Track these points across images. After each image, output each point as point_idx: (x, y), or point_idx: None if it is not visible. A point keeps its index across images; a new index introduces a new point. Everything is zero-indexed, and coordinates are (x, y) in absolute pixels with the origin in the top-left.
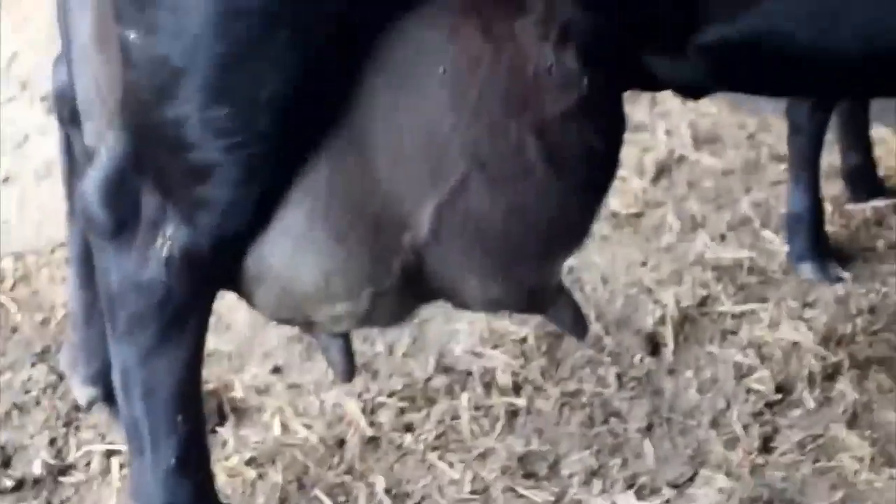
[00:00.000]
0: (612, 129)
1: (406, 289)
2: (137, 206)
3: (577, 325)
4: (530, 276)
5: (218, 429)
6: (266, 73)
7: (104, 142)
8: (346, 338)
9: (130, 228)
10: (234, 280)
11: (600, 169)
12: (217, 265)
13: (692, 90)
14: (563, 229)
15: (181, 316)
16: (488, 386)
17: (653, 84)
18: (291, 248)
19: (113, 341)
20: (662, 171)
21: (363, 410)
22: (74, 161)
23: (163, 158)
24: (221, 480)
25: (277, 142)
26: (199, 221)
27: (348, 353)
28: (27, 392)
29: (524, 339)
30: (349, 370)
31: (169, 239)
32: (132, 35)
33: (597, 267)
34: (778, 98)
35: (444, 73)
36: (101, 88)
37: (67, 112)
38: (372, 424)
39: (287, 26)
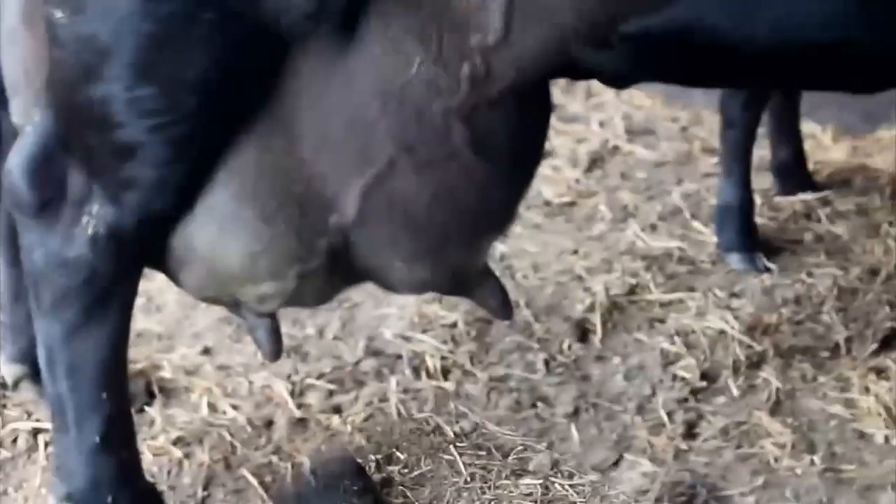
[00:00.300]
0: (539, 115)
1: (332, 269)
2: (63, 185)
3: (503, 307)
4: (456, 259)
5: (146, 408)
6: (192, 54)
7: (30, 120)
8: (273, 318)
9: (56, 206)
10: (161, 259)
11: (526, 154)
12: (143, 244)
13: (617, 79)
14: (489, 213)
15: (106, 294)
16: (417, 370)
17: (579, 73)
18: (218, 227)
19: (38, 318)
20: (595, 161)
21: (291, 392)
22: (2, 140)
23: (89, 137)
24: (148, 459)
25: (203, 122)
26: (124, 200)
27: (275, 334)
28: None
29: (454, 324)
30: (276, 350)
31: (94, 217)
32: (59, 14)
33: (528, 254)
34: (700, 87)
35: (372, 60)
36: (28, 67)
37: None
38: (300, 406)
39: (213, 8)
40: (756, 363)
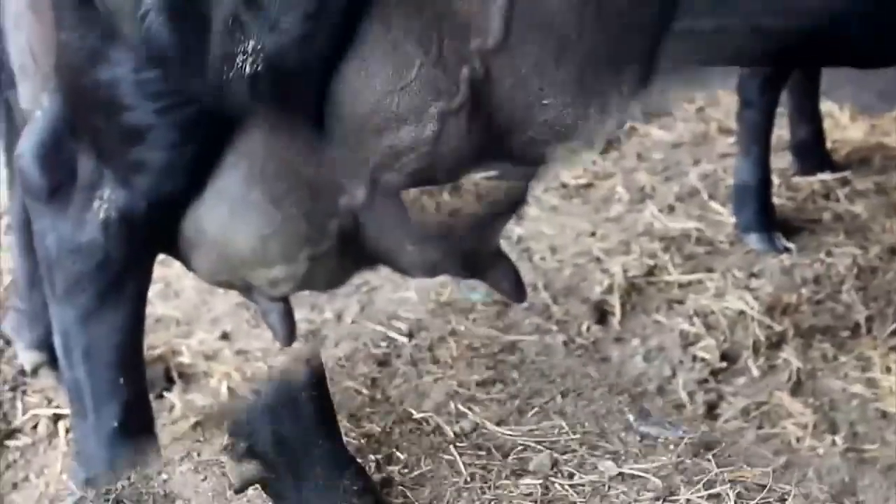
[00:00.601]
0: None
1: (344, 252)
2: (73, 169)
3: (516, 289)
4: (467, 241)
5: (165, 393)
6: (197, 37)
7: (39, 105)
8: (286, 302)
9: (67, 191)
10: (173, 243)
11: None
12: (154, 228)
13: None
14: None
15: (120, 279)
16: (435, 352)
17: None
18: (228, 210)
19: (52, 304)
20: (612, 143)
21: None
22: (14, 127)
23: (97, 121)
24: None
25: (211, 104)
26: (135, 184)
27: (288, 318)
28: None
29: (472, 307)
30: (289, 334)
31: (106, 201)
32: None
33: (546, 237)
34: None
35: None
36: (36, 52)
37: (6, 77)
38: None
39: None
40: (776, 343)
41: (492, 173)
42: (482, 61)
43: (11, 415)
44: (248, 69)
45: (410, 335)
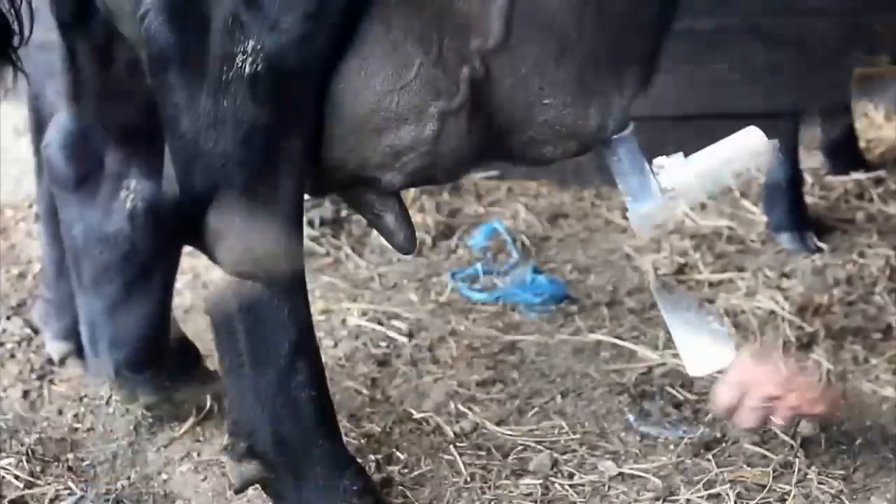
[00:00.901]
0: None
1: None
2: (101, 159)
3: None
4: None
5: None
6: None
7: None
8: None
9: (94, 181)
10: (198, 235)
11: None
12: (180, 219)
13: None
14: None
15: (146, 269)
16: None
17: None
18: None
19: (79, 294)
20: None
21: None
22: (42, 117)
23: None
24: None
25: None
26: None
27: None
28: (1, 345)
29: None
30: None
31: (132, 192)
32: None
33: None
34: None
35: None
36: None
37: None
38: (348, 377)
39: None
40: (807, 344)
41: (492, 173)
42: (482, 61)
43: (39, 403)
44: (247, 69)
45: (410, 335)
